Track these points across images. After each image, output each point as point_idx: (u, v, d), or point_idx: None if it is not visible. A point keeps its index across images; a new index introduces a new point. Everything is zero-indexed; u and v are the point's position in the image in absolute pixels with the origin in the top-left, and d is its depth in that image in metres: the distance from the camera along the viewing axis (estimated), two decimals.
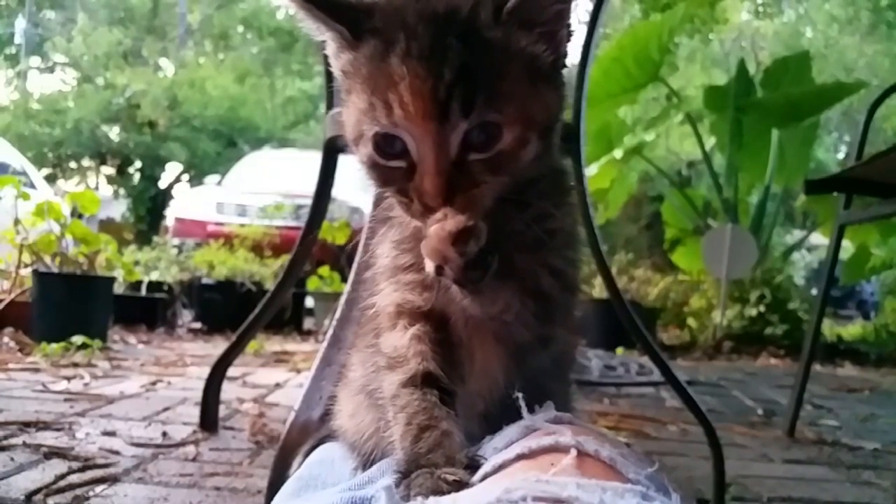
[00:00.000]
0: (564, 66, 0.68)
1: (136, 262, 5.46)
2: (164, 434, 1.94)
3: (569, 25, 0.66)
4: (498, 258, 0.62)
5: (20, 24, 18.99)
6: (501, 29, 0.61)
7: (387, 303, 0.70)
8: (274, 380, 3.03)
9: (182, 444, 1.86)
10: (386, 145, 0.62)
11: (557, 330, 0.72)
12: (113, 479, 1.52)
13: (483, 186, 0.61)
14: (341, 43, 0.65)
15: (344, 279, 2.12)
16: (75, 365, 3.11)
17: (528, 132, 0.62)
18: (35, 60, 18.74)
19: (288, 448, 1.22)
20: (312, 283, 5.42)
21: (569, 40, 0.67)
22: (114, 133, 16.30)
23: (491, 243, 0.60)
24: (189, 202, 8.38)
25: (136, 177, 16.29)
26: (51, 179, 14.44)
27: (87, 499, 1.40)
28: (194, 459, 1.74)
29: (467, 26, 0.60)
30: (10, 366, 2.97)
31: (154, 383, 2.76)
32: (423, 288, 0.68)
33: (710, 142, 6.41)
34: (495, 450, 0.61)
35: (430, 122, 0.59)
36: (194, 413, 2.10)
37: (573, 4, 0.65)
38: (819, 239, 7.26)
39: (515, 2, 0.61)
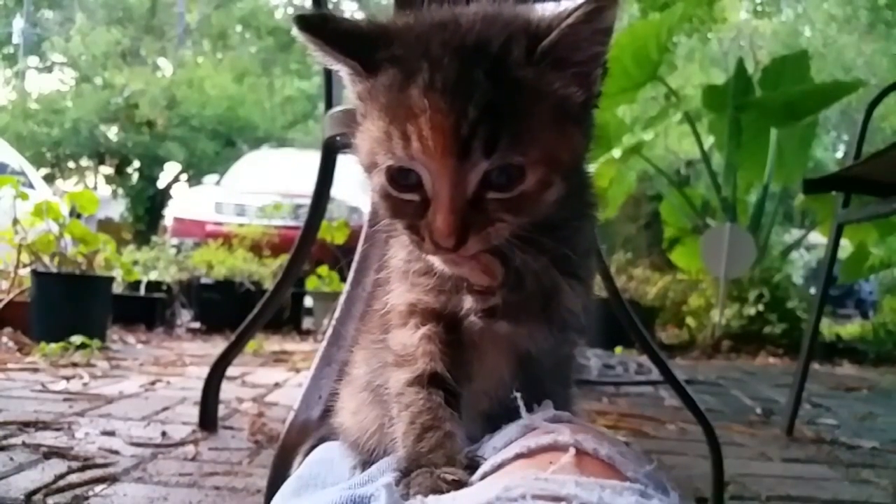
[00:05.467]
0: (596, 105, 0.65)
1: (135, 262, 5.46)
2: (164, 434, 1.94)
3: (604, 64, 0.63)
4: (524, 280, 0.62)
5: (18, 23, 18.97)
6: (533, 69, 0.58)
7: (399, 301, 0.69)
8: (273, 379, 3.03)
9: (181, 443, 1.86)
10: (400, 177, 0.60)
11: (572, 334, 0.72)
12: (112, 479, 1.52)
13: (498, 225, 0.59)
14: (355, 74, 0.63)
15: (343, 279, 2.12)
16: (74, 365, 3.11)
17: (552, 175, 0.59)
18: (33, 60, 18.74)
19: (287, 447, 1.22)
20: (311, 283, 5.42)
21: (603, 79, 0.64)
22: (112, 133, 16.28)
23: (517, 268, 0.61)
24: (188, 202, 8.38)
25: (135, 176, 16.28)
26: (49, 179, 14.44)
27: (87, 498, 1.40)
28: (194, 459, 1.74)
29: (497, 62, 0.57)
30: (9, 366, 2.97)
31: (153, 383, 2.76)
32: (438, 291, 0.67)
33: (708, 141, 6.41)
34: (494, 449, 0.61)
35: (449, 158, 0.56)
36: (193, 413, 2.10)
37: (610, 45, 0.61)
38: (817, 238, 7.26)
39: (551, 41, 0.58)
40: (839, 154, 14.34)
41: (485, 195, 0.58)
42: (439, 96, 0.56)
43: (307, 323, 5.80)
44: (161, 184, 16.39)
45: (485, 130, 0.56)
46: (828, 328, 6.26)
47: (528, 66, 0.58)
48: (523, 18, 0.61)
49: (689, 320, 5.89)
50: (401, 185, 0.60)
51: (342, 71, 0.64)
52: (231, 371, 2.34)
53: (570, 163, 0.62)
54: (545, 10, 0.61)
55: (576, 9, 0.57)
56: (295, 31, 0.62)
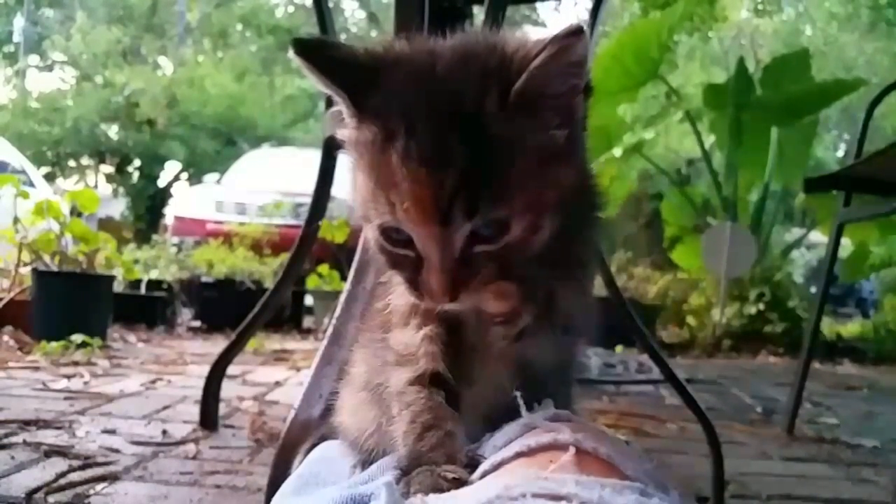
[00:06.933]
0: (584, 128, 0.64)
1: (136, 261, 5.46)
2: (165, 432, 1.94)
3: (587, 87, 0.62)
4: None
5: (19, 22, 18.98)
6: (508, 119, 0.58)
7: (402, 302, 0.70)
8: (274, 378, 3.03)
9: (182, 442, 1.86)
10: (393, 233, 0.61)
11: (572, 338, 0.73)
12: (113, 478, 1.52)
13: (489, 268, 0.60)
14: (345, 110, 0.63)
15: (343, 277, 2.13)
16: (75, 363, 3.11)
17: (539, 219, 0.60)
18: (34, 59, 18.71)
19: (288, 446, 1.22)
20: (312, 282, 5.42)
21: (587, 100, 0.63)
22: (113, 131, 16.28)
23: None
24: (188, 200, 8.38)
25: (136, 175, 16.28)
26: (50, 178, 14.42)
27: (88, 497, 1.40)
28: (194, 458, 1.74)
29: (471, 122, 0.57)
30: (10, 364, 2.97)
31: (154, 382, 2.76)
32: None
33: (709, 140, 6.40)
34: (494, 448, 0.61)
35: (432, 226, 0.57)
36: (194, 411, 2.10)
37: (587, 72, 0.60)
38: (818, 237, 7.26)
39: (522, 85, 0.57)
40: (840, 153, 14.34)
41: (472, 250, 0.59)
42: (416, 167, 0.56)
43: (308, 322, 5.80)
44: (162, 182, 16.39)
45: (464, 196, 0.56)
46: (828, 327, 6.25)
47: (502, 120, 0.58)
48: (498, 55, 0.60)
49: (690, 319, 5.88)
50: (395, 240, 0.61)
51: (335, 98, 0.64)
52: (232, 370, 2.34)
53: (559, 199, 0.61)
54: (527, 36, 0.61)
55: (542, 49, 0.57)
56: (291, 55, 0.62)
